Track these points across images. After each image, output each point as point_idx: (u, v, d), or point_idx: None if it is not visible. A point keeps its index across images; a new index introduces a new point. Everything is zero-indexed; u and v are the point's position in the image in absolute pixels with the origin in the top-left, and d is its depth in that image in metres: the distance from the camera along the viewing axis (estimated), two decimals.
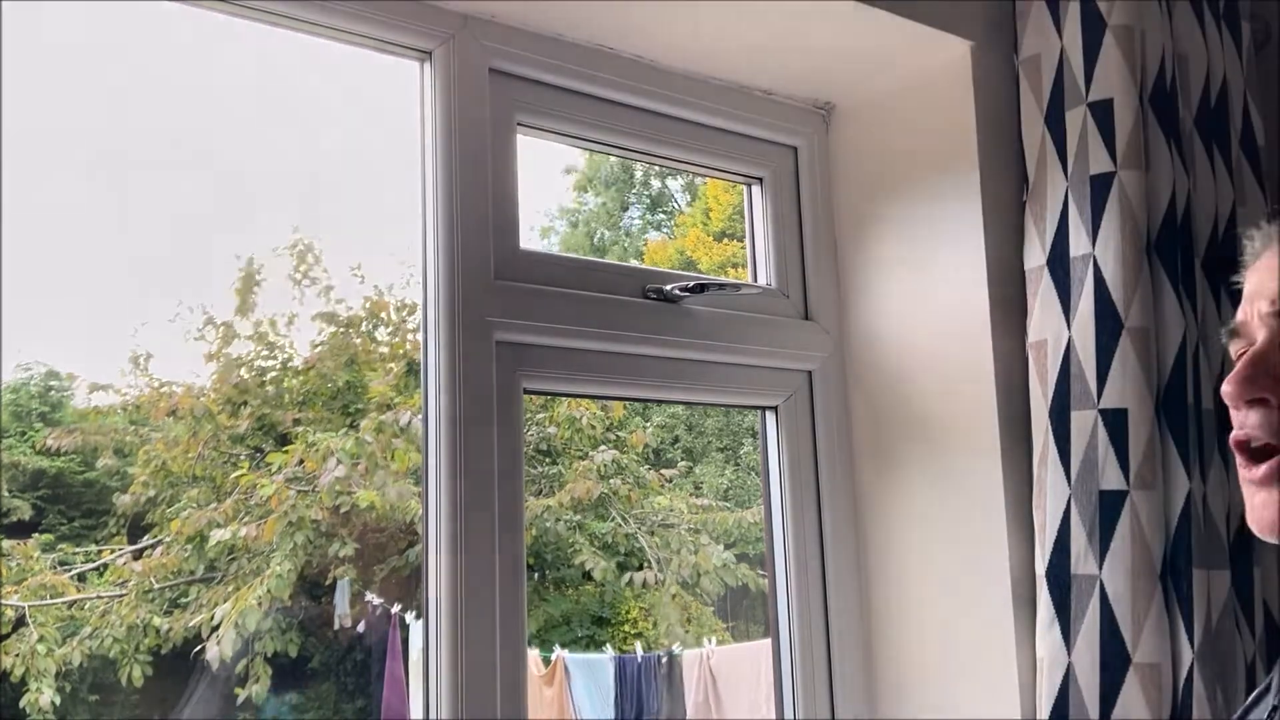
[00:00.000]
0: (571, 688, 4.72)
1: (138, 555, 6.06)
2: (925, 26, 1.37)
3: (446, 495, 1.17)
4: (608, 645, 5.73)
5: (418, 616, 5.61)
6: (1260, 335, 0.76)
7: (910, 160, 1.49)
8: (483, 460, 1.19)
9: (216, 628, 5.45)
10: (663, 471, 7.16)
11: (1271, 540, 0.72)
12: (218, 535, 5.61)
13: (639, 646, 5.35)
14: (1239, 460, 0.75)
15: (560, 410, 6.43)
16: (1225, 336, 0.79)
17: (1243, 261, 0.80)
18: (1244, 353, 0.76)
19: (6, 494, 6.75)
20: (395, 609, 5.51)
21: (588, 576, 6.45)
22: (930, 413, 1.44)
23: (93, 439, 6.39)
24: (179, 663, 5.96)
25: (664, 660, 4.82)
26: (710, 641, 5.49)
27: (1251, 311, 0.77)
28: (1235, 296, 0.82)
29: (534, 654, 4.74)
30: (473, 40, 1.27)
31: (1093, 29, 1.35)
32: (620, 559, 6.57)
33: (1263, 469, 0.72)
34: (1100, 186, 1.31)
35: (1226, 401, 0.76)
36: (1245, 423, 0.74)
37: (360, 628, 6.08)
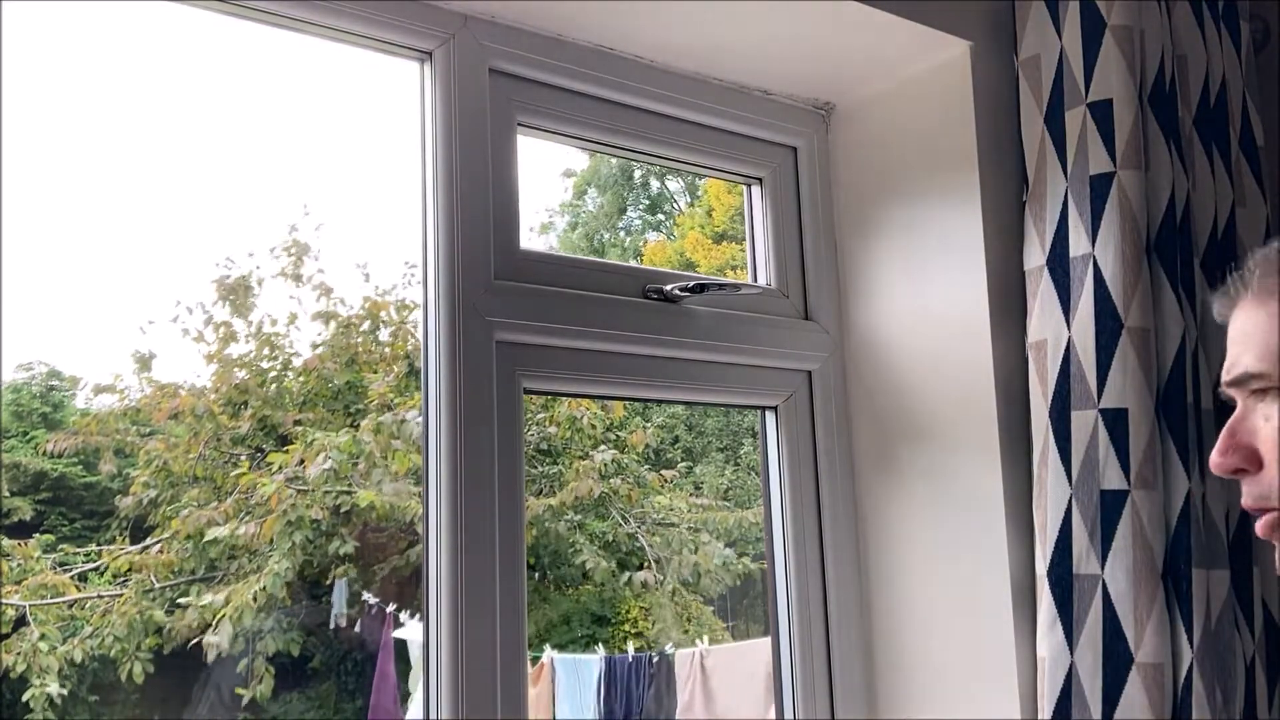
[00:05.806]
0: (555, 688, 4.72)
1: (139, 554, 6.06)
2: (925, 27, 1.37)
3: (446, 495, 1.17)
4: (602, 645, 5.73)
5: (413, 615, 5.61)
6: (1238, 400, 0.77)
7: (910, 160, 1.49)
8: (483, 460, 1.19)
9: (211, 624, 5.46)
10: (663, 471, 7.16)
11: None
12: (216, 533, 5.61)
13: (630, 647, 5.35)
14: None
15: (560, 410, 6.43)
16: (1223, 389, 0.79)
17: (1240, 276, 0.78)
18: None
19: (8, 495, 6.75)
20: (390, 608, 5.51)
21: (587, 576, 6.45)
22: (930, 413, 1.44)
23: (94, 440, 6.39)
24: (180, 661, 5.97)
25: (655, 660, 4.82)
26: (703, 641, 5.50)
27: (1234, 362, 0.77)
28: None
29: None
30: (473, 40, 1.27)
31: (1092, 29, 1.35)
32: (620, 558, 6.57)
33: (1260, 524, 0.75)
34: (1100, 187, 1.31)
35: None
36: (1244, 490, 0.77)
37: (356, 627, 6.09)
